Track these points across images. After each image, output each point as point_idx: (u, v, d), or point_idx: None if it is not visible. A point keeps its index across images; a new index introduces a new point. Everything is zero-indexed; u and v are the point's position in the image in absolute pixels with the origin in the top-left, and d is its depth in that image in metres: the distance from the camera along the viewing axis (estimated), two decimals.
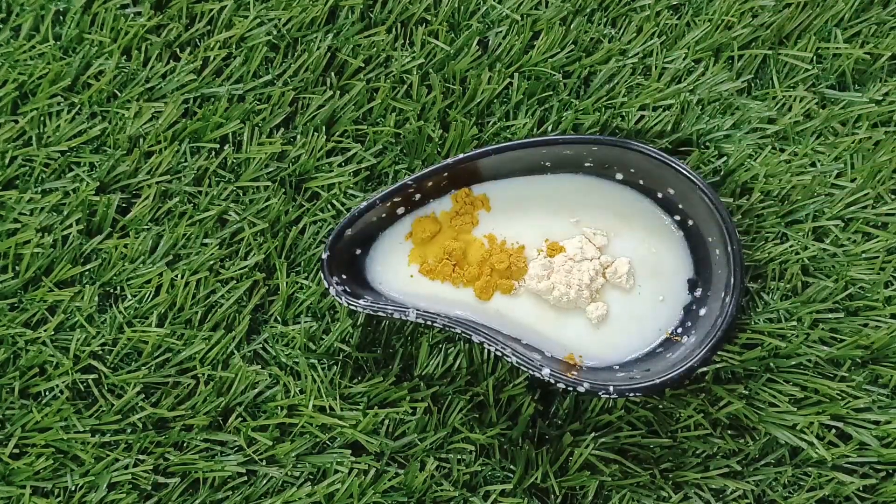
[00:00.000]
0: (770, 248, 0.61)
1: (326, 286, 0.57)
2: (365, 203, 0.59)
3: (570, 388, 0.55)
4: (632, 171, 0.60)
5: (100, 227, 0.61)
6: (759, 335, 0.60)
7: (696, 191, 0.58)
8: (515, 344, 0.57)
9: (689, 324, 0.59)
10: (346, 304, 0.57)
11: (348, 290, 0.58)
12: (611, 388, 0.55)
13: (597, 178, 0.61)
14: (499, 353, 0.56)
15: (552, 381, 0.55)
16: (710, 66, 0.65)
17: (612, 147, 0.59)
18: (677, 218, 0.61)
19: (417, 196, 0.60)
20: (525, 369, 0.56)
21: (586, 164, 0.61)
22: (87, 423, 0.57)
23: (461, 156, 0.59)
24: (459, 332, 0.56)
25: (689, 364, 0.56)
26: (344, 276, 0.59)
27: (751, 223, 0.62)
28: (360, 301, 0.57)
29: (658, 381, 0.56)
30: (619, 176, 0.61)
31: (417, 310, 0.57)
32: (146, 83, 0.64)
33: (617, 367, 0.58)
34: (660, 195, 0.60)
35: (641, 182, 0.61)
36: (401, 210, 0.61)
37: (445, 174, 0.60)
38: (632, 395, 0.56)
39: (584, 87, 0.65)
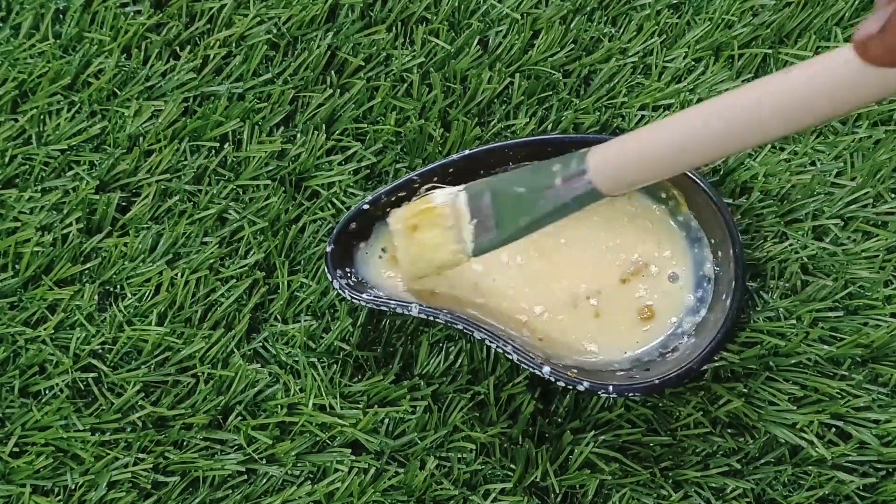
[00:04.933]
0: (769, 247, 0.61)
1: (330, 279, 0.57)
2: (371, 197, 0.59)
3: (570, 387, 0.55)
4: None
5: (100, 226, 0.61)
6: (759, 334, 0.60)
7: (700, 192, 0.58)
8: (515, 341, 0.57)
9: (690, 324, 0.59)
10: (349, 298, 0.57)
11: (351, 283, 0.58)
12: (610, 388, 0.55)
13: None
14: (499, 350, 0.56)
15: (552, 380, 0.55)
16: (711, 65, 0.65)
17: None
18: (680, 219, 0.61)
19: (423, 191, 0.60)
20: (525, 367, 0.56)
21: None
22: (87, 422, 0.57)
23: (466, 152, 0.60)
24: (461, 328, 0.56)
25: (688, 365, 0.56)
26: (347, 270, 0.59)
27: (750, 222, 0.62)
28: (363, 295, 0.57)
29: (657, 381, 0.56)
30: None
31: (420, 305, 0.57)
32: (146, 82, 0.64)
33: (616, 366, 0.58)
34: (664, 196, 0.61)
35: None
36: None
37: (451, 170, 0.60)
38: (631, 394, 0.56)
39: (585, 86, 0.65)
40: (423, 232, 0.54)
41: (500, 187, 0.52)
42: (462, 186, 0.53)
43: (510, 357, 0.56)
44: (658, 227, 0.61)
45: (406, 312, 0.57)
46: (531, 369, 0.55)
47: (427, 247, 0.54)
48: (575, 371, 0.57)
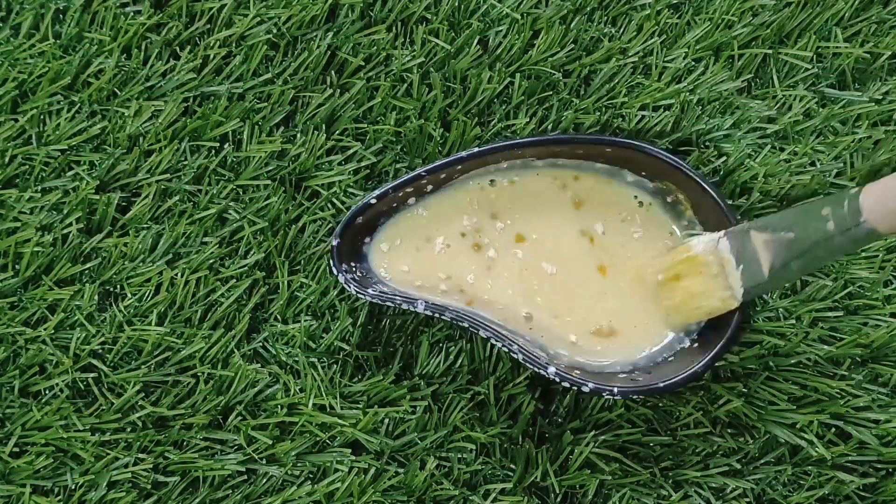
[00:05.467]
0: None
1: (335, 273, 0.57)
2: (378, 191, 0.59)
3: (575, 387, 0.55)
4: (643, 173, 0.60)
5: (99, 226, 0.61)
6: (759, 334, 0.60)
7: (706, 196, 0.58)
8: (520, 339, 0.57)
9: (695, 328, 0.59)
10: (354, 293, 0.57)
11: (356, 277, 0.58)
12: (615, 390, 0.55)
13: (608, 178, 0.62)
14: (505, 350, 0.56)
15: (557, 380, 0.55)
16: (711, 66, 0.65)
17: (625, 149, 0.59)
18: (684, 224, 0.61)
19: (430, 188, 0.60)
20: (530, 367, 0.56)
21: (597, 165, 0.61)
22: (87, 422, 0.57)
23: (475, 150, 0.60)
24: (467, 325, 0.56)
25: (693, 369, 0.56)
26: (352, 265, 0.59)
27: None
28: (369, 290, 0.57)
29: (662, 384, 0.55)
30: (630, 178, 0.61)
31: (426, 301, 0.57)
32: (146, 82, 0.64)
33: (618, 368, 0.58)
34: (669, 200, 0.61)
35: (652, 186, 0.61)
36: (412, 201, 0.61)
37: (459, 167, 0.60)
38: (635, 396, 0.56)
39: (585, 86, 0.65)
40: (688, 280, 0.56)
41: (766, 232, 0.52)
42: (722, 233, 0.55)
43: (515, 356, 0.56)
44: (663, 232, 0.61)
45: (412, 309, 0.57)
46: (536, 369, 0.55)
47: (694, 295, 0.56)
48: (579, 372, 0.57)
